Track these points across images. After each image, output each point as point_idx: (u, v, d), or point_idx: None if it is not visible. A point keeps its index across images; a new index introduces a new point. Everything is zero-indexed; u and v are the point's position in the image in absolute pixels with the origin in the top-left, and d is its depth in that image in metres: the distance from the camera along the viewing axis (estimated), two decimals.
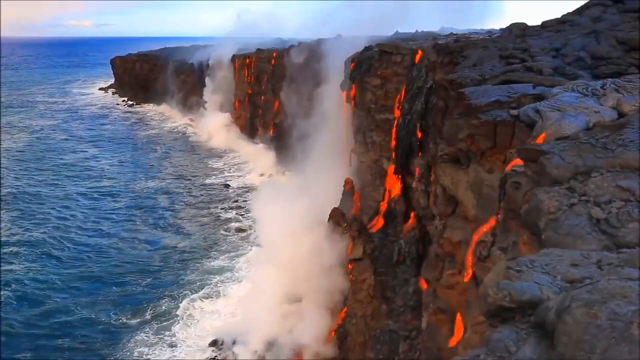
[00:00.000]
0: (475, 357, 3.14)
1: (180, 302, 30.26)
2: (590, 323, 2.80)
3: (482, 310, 3.79)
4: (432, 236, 17.14)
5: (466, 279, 10.71)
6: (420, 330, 16.12)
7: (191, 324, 28.48)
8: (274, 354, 24.61)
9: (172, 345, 26.65)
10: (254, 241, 37.78)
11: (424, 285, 16.64)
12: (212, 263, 35.12)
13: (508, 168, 7.15)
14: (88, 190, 49.97)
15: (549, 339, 3.01)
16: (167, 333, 27.55)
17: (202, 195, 49.35)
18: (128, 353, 25.93)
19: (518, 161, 6.77)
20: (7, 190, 48.04)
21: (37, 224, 40.73)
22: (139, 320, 28.66)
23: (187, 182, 53.41)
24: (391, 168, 22.44)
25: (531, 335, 3.20)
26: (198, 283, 32.37)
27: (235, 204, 46.55)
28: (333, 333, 22.98)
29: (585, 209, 4.83)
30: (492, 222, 9.00)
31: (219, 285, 32.34)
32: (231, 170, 57.15)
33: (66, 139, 71.61)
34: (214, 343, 26.78)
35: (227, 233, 40.18)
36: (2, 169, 54.43)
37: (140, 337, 27.12)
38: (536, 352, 3.03)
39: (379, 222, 22.72)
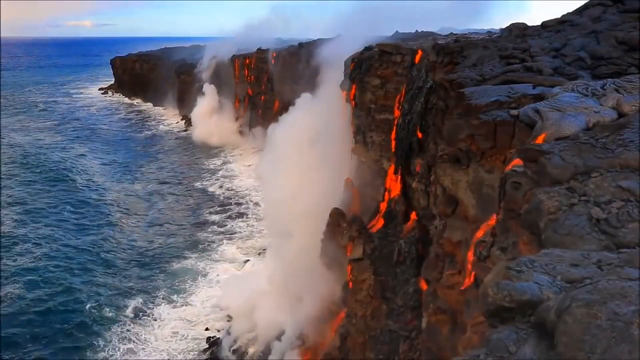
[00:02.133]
0: (475, 357, 3.14)
1: (151, 302, 30.26)
2: (590, 323, 2.80)
3: (482, 310, 3.79)
4: (432, 236, 17.13)
5: (467, 282, 10.71)
6: (420, 330, 16.11)
7: (160, 325, 28.60)
8: (272, 353, 24.61)
9: (135, 342, 26.75)
10: (233, 241, 37.53)
11: (424, 285, 16.63)
12: (189, 264, 35.03)
13: (508, 168, 7.14)
14: (77, 187, 49.94)
15: (549, 339, 3.01)
16: (137, 331, 27.72)
17: (192, 197, 48.72)
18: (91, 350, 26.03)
19: (518, 161, 6.77)
20: (5, 190, 48.13)
21: (19, 220, 40.80)
22: (112, 315, 28.86)
23: (179, 183, 52.79)
24: (391, 168, 22.42)
25: (531, 335, 3.20)
26: (169, 286, 32.23)
27: (222, 207, 45.62)
28: (333, 333, 22.96)
29: (585, 209, 4.83)
30: (492, 222, 9.00)
31: (192, 285, 32.33)
32: (225, 172, 56.34)
33: (61, 139, 71.45)
34: (213, 343, 26.78)
35: (210, 234, 39.71)
36: (1, 167, 54.60)
37: (111, 332, 27.34)
38: (536, 352, 3.03)
39: (379, 222, 22.70)
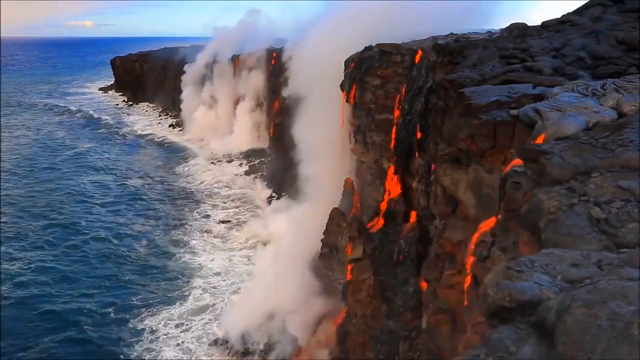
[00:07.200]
0: (475, 357, 3.14)
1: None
2: (590, 323, 2.80)
3: (482, 310, 3.79)
4: (432, 236, 17.13)
5: (466, 283, 10.71)
6: (420, 330, 16.11)
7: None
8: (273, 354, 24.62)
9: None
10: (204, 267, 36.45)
11: (424, 285, 16.63)
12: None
13: (508, 168, 7.14)
14: (68, 186, 49.79)
15: (549, 339, 3.01)
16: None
17: (179, 201, 48.04)
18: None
19: (518, 161, 6.76)
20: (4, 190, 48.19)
21: None
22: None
23: (162, 188, 51.70)
24: (391, 168, 22.42)
25: (531, 335, 3.20)
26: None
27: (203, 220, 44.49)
28: (333, 333, 22.96)
29: (585, 209, 4.83)
30: (492, 222, 9.00)
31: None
32: (218, 176, 55.35)
33: (56, 139, 71.27)
34: (215, 342, 26.84)
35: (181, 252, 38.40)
36: (1, 166, 54.74)
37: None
38: (536, 352, 3.03)
39: (379, 222, 22.69)
